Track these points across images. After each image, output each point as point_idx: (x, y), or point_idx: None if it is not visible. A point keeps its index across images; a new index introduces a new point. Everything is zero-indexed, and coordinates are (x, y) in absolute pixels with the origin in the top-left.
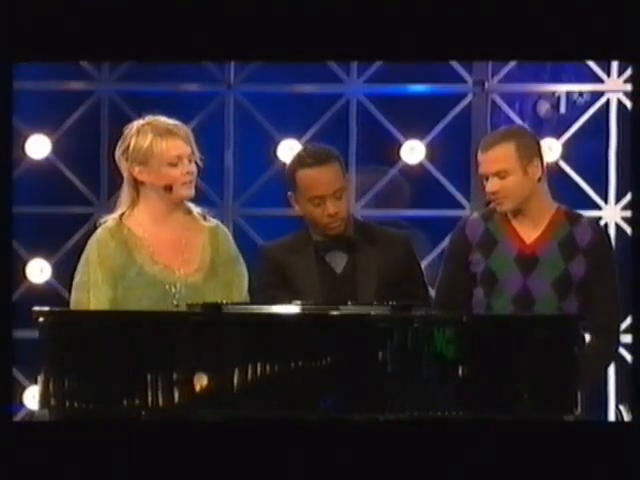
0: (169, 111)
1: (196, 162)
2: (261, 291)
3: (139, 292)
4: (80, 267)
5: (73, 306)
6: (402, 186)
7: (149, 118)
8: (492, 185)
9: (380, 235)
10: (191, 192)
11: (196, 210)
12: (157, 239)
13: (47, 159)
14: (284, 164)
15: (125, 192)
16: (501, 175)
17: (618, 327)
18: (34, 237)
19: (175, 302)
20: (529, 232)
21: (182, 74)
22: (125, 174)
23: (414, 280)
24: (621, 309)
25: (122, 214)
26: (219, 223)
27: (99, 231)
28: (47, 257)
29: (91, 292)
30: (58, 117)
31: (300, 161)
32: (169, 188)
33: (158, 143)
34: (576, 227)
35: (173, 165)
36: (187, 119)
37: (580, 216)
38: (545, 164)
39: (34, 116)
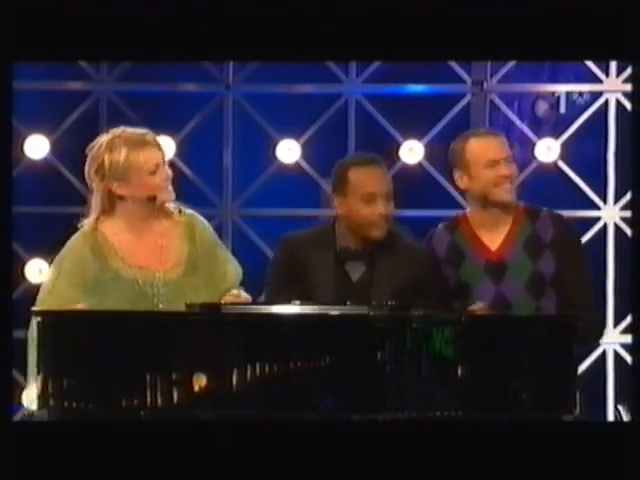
0: (167, 111)
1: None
2: (273, 280)
3: (116, 296)
4: (51, 268)
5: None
6: None
7: (116, 131)
8: (507, 168)
9: (401, 247)
10: (173, 195)
11: (171, 206)
12: (132, 245)
13: (46, 159)
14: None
15: (96, 202)
16: (510, 158)
17: (597, 314)
18: (33, 237)
19: (156, 301)
20: (494, 238)
21: (180, 74)
22: (99, 190)
23: (429, 295)
24: (593, 295)
25: (97, 219)
26: (194, 214)
27: (74, 238)
28: (46, 257)
29: (52, 298)
30: (56, 117)
31: (353, 161)
32: (152, 197)
33: (135, 155)
34: (538, 223)
35: (153, 174)
36: (185, 119)
37: (539, 210)
38: None
39: (33, 116)
